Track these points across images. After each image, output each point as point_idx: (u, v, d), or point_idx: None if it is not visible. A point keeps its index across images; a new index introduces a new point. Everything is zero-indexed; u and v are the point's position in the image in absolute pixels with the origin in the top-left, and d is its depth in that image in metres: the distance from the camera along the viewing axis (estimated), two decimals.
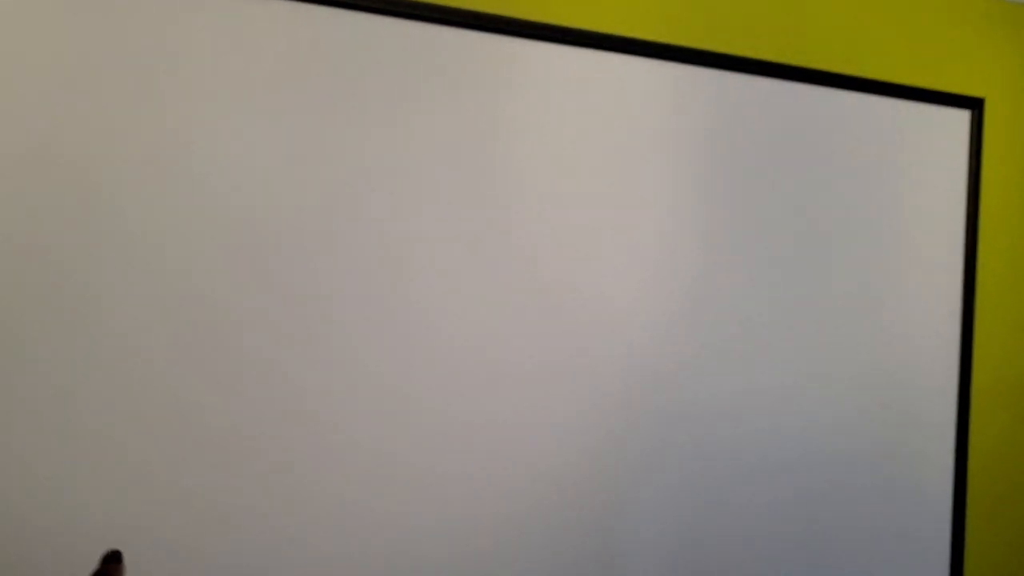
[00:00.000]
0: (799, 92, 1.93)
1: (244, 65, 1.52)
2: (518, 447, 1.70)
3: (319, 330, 1.56)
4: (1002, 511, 2.18)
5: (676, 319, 1.83)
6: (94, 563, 1.41)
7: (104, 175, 1.44)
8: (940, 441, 2.09)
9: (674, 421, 1.82)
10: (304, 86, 1.55)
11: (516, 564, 1.69)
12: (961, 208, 2.11)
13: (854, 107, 1.99)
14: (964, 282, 2.11)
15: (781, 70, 1.91)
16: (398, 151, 1.61)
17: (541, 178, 1.71)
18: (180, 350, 1.47)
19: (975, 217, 2.11)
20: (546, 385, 1.72)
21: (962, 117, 2.11)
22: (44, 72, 1.41)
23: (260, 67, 1.53)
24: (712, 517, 1.86)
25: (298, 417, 1.54)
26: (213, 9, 1.50)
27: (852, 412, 1.99)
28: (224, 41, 1.51)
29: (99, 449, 1.43)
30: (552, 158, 1.72)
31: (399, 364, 1.61)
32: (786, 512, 1.93)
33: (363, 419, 1.59)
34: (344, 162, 1.58)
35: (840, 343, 1.98)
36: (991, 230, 2.16)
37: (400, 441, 1.61)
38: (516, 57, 1.70)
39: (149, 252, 1.46)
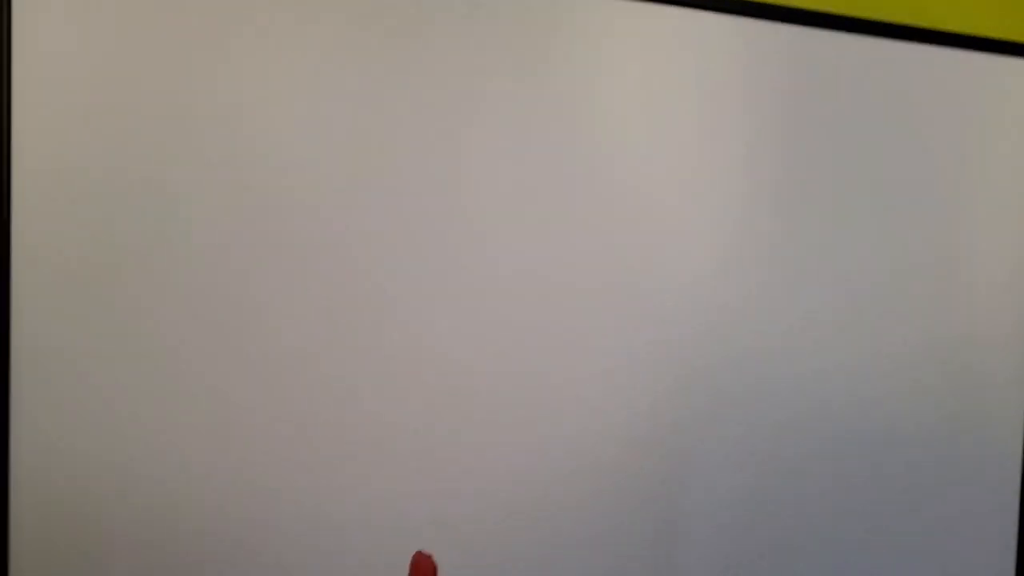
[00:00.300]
0: (859, 45, 1.84)
1: (302, 33, 1.44)
2: (582, 400, 1.65)
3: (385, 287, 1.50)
4: None
5: (747, 277, 1.76)
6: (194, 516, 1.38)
7: (169, 133, 1.38)
8: (1011, 407, 2.03)
9: (742, 378, 1.77)
10: (358, 55, 1.48)
11: (579, 519, 1.66)
12: None
13: (920, 60, 1.89)
14: None
15: (837, 21, 1.82)
16: (465, 114, 1.54)
17: (613, 138, 1.64)
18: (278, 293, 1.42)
19: None
20: (612, 335, 1.67)
21: None
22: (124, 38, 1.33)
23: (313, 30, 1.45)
24: (777, 482, 1.81)
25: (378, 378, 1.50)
26: None
27: (921, 378, 1.93)
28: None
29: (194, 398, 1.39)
30: (625, 118, 1.65)
31: (445, 336, 1.56)
32: (853, 479, 1.88)
33: (429, 381, 1.54)
34: (408, 124, 1.51)
35: (910, 306, 1.91)
36: None
37: (460, 398, 1.57)
38: (585, 13, 1.61)
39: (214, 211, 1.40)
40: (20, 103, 1.32)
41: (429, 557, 1.19)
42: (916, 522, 1.94)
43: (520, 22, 1.58)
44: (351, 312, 1.50)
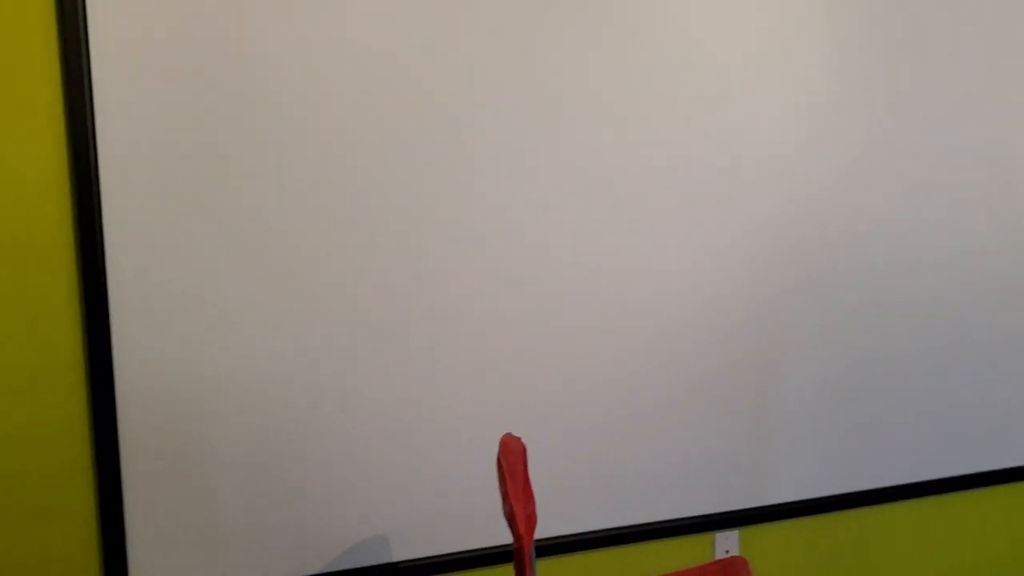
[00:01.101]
0: None
1: None
2: (670, 279, 1.69)
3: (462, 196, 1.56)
4: None
5: (838, 153, 1.77)
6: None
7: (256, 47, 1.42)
8: None
9: (829, 250, 1.79)
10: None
11: (672, 402, 1.72)
12: None
13: None
14: None
15: None
16: (526, 40, 1.54)
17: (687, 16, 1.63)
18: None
19: None
20: (700, 212, 1.69)
21: None
22: None
23: None
24: (863, 355, 1.85)
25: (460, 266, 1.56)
26: None
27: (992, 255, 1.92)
28: None
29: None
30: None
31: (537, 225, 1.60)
32: (937, 350, 1.90)
33: (512, 268, 1.60)
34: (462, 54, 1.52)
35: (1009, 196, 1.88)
36: None
37: (547, 286, 1.62)
38: None
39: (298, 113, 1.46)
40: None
41: (518, 439, 1.25)
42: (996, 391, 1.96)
43: None
44: (443, 212, 1.55)
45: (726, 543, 1.79)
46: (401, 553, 1.59)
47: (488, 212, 1.57)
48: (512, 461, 1.18)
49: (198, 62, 1.39)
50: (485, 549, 1.64)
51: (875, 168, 1.79)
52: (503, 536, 1.64)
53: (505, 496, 1.13)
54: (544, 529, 1.67)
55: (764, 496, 1.80)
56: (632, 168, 1.64)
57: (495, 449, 1.61)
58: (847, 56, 1.74)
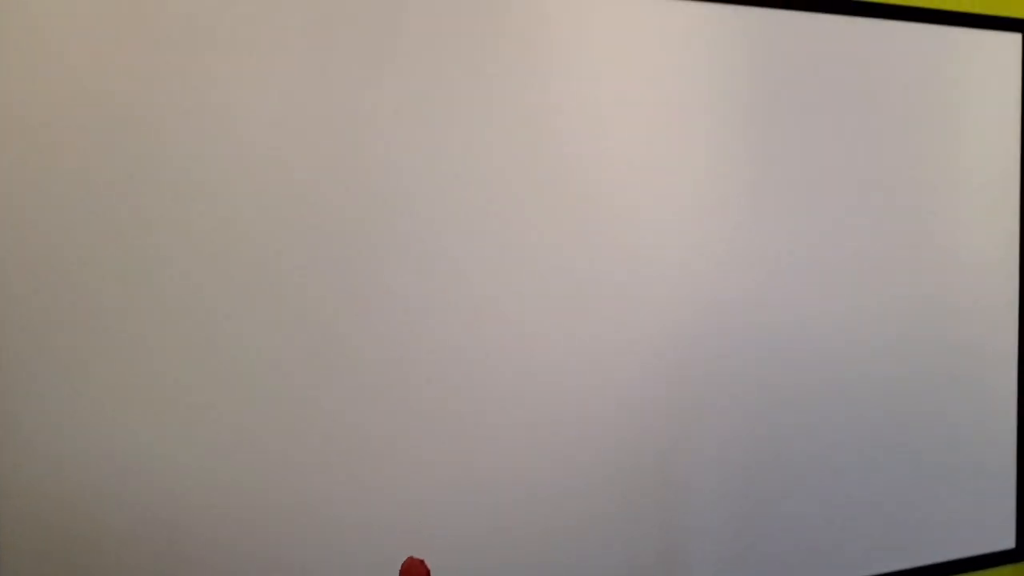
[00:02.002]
0: (837, 24, 1.89)
1: (276, 25, 1.51)
2: (568, 386, 1.70)
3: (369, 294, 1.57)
4: None
5: (729, 251, 1.82)
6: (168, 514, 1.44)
7: (151, 125, 1.44)
8: (1002, 368, 2.08)
9: (729, 352, 1.82)
10: (333, 43, 1.54)
11: (574, 510, 1.71)
12: (1016, 133, 2.07)
13: (896, 37, 1.94)
14: (1020, 207, 2.08)
15: (816, 2, 1.87)
16: (430, 97, 1.60)
17: (582, 115, 1.70)
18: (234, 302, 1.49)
19: None
20: (598, 320, 1.72)
21: (1012, 41, 2.06)
22: (96, 28, 1.40)
23: (288, 27, 1.51)
24: (772, 445, 1.87)
25: (355, 369, 1.56)
26: None
27: (910, 341, 1.98)
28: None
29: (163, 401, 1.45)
30: (593, 97, 1.70)
31: (444, 323, 1.62)
32: (847, 439, 1.93)
33: (413, 374, 1.60)
34: (389, 114, 1.57)
35: (895, 271, 1.96)
36: None
37: (451, 397, 1.62)
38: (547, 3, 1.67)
39: (195, 203, 1.47)
40: None
41: (422, 562, 1.20)
42: (913, 473, 2.00)
43: (496, 19, 1.64)
44: (332, 314, 1.55)
45: None
46: None
47: (389, 341, 1.58)
48: None
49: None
50: None
51: (778, 269, 1.86)
52: None
53: None
54: None
55: None
56: (533, 270, 1.67)
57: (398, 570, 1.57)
58: (741, 169, 1.82)
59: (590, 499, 1.71)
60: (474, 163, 1.61)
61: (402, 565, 1.18)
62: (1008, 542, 2.12)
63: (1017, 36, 2.06)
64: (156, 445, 1.43)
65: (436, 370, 1.59)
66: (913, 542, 2.01)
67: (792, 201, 1.86)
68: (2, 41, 1.34)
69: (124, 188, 1.41)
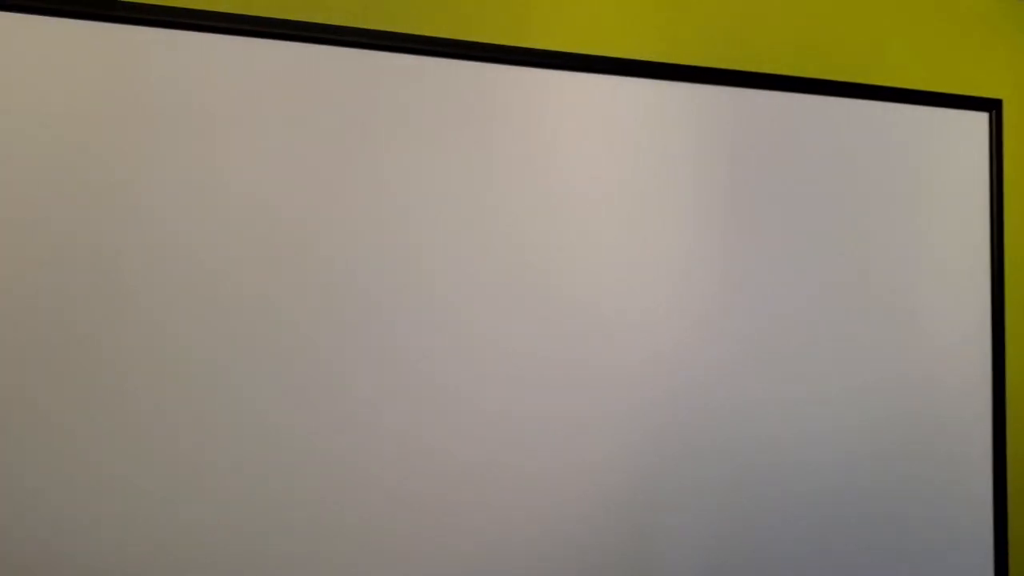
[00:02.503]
0: (811, 104, 1.95)
1: (257, 104, 1.57)
2: (535, 471, 1.71)
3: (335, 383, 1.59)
4: None
5: (700, 329, 1.84)
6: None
7: (136, 201, 1.49)
8: (977, 443, 2.08)
9: (702, 429, 1.84)
10: (316, 122, 1.60)
11: None
12: (984, 210, 2.11)
13: (869, 116, 2.00)
14: (992, 284, 2.11)
15: (791, 83, 1.93)
16: (407, 184, 1.65)
17: (549, 201, 1.74)
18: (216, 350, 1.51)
19: (1000, 218, 2.11)
20: (569, 396, 1.74)
21: (980, 120, 2.12)
22: (79, 117, 1.46)
23: (272, 105, 1.58)
24: (746, 522, 1.87)
25: (331, 412, 1.58)
26: (225, 54, 1.55)
27: (884, 418, 1.99)
28: (238, 84, 1.56)
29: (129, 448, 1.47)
30: (561, 182, 1.75)
31: (406, 412, 1.64)
32: (821, 516, 1.93)
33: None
34: (355, 195, 1.62)
35: (868, 350, 1.99)
36: (1016, 231, 2.17)
37: (418, 473, 1.64)
38: (517, 84, 1.73)
39: (179, 265, 1.51)
40: None
41: None
42: (892, 548, 1.99)
43: (471, 102, 1.70)
44: (284, 421, 1.59)
45: None
46: None
47: (358, 424, 1.60)
48: None
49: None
50: None
51: (752, 347, 1.89)
52: None
53: None
54: None
55: None
56: (503, 347, 1.70)
57: None
58: (716, 250, 1.87)
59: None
60: (444, 249, 1.65)
61: None
62: None
63: (984, 115, 2.12)
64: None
65: (400, 452, 1.61)
66: None
67: (767, 279, 1.90)
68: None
69: (108, 254, 1.45)
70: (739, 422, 1.86)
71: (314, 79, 1.58)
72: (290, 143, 1.56)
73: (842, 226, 1.97)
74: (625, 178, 1.79)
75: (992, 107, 2.12)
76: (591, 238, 1.76)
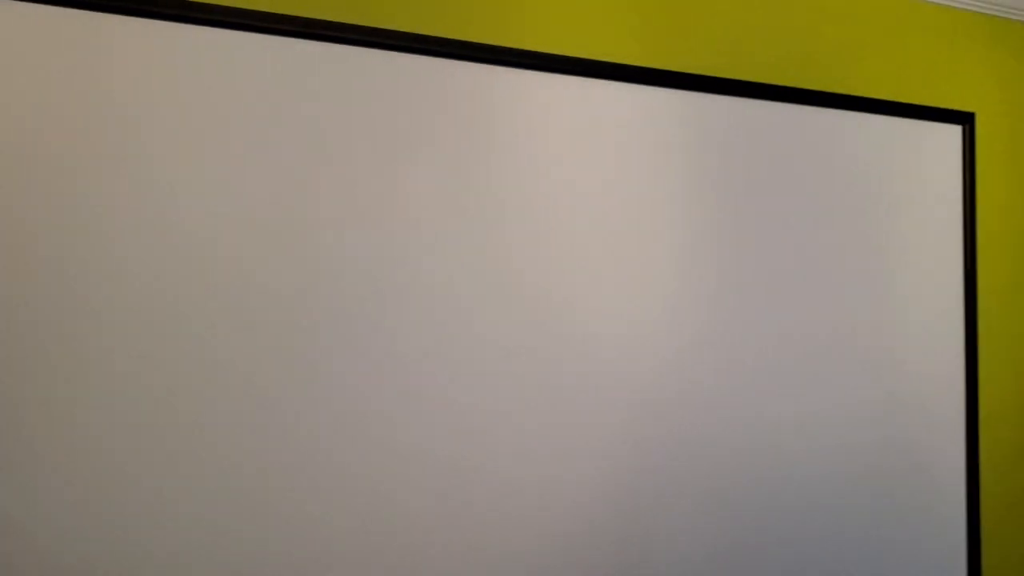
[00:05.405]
0: (790, 113, 1.97)
1: (230, 99, 1.54)
2: (523, 484, 1.70)
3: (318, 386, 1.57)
4: (1017, 531, 2.20)
5: (682, 350, 1.85)
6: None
7: (90, 217, 1.45)
8: (951, 465, 2.11)
9: (684, 449, 1.84)
10: (290, 121, 1.57)
11: None
12: (958, 222, 2.14)
13: (846, 127, 2.03)
14: (966, 299, 2.14)
15: (770, 91, 1.94)
16: (386, 186, 1.63)
17: (536, 209, 1.74)
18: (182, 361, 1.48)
19: (972, 232, 2.14)
20: (556, 419, 1.73)
21: (954, 132, 2.15)
22: (35, 117, 1.42)
23: (243, 103, 1.55)
24: (729, 543, 1.87)
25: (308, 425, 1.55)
26: (196, 45, 1.52)
27: (860, 438, 2.01)
28: (209, 80, 1.53)
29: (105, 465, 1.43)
30: (547, 188, 1.75)
31: (386, 415, 1.62)
32: (801, 537, 1.94)
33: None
34: (332, 197, 1.59)
35: (844, 367, 2.00)
36: (988, 244, 2.20)
37: (409, 479, 1.62)
38: (500, 86, 1.72)
39: (133, 282, 1.47)
40: None
41: None
42: (867, 569, 2.01)
43: (452, 111, 1.68)
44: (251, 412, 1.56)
45: None
46: None
47: (341, 415, 1.58)
48: None
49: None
50: None
51: (732, 372, 1.89)
52: None
53: None
54: None
55: None
56: (487, 353, 1.69)
57: None
58: (699, 273, 1.87)
59: None
60: (431, 265, 1.63)
61: None
62: None
63: (958, 128, 2.15)
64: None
65: (380, 456, 1.59)
66: None
67: (742, 291, 1.90)
68: None
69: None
70: (720, 434, 1.87)
71: (291, 74, 1.56)
72: (264, 139, 1.53)
73: (817, 236, 1.98)
74: (609, 183, 1.78)
75: (966, 120, 2.16)
76: (575, 241, 1.75)
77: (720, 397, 1.87)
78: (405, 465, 1.60)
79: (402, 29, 1.64)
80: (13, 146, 1.39)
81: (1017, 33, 2.27)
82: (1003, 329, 2.21)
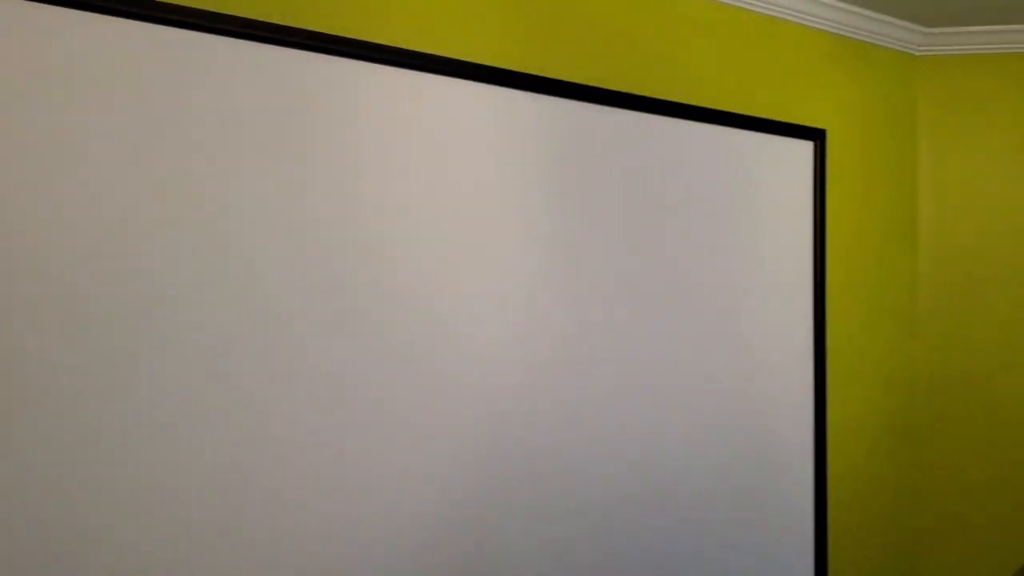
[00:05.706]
0: (651, 123, 1.99)
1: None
2: (382, 498, 1.64)
3: None
4: (863, 538, 2.33)
5: (536, 362, 1.84)
6: None
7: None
8: (800, 473, 2.21)
9: (542, 464, 1.83)
10: (128, 110, 1.46)
11: None
12: (808, 232, 2.25)
13: (706, 139, 2.08)
14: (815, 305, 2.25)
15: (633, 101, 1.95)
16: (228, 183, 1.55)
17: (393, 209, 1.69)
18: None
19: (822, 240, 2.26)
20: (410, 436, 1.67)
21: (806, 148, 2.26)
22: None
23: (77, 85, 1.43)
24: (584, 555, 1.88)
25: None
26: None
27: (713, 447, 2.07)
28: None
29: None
30: (406, 188, 1.70)
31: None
32: (655, 547, 1.98)
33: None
34: (163, 193, 1.49)
35: (699, 380, 2.06)
36: (837, 253, 2.32)
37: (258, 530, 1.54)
38: (362, 82, 1.67)
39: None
40: None
41: None
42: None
43: (294, 91, 1.61)
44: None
45: None
46: None
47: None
48: None
49: None
50: None
51: (589, 375, 1.91)
52: None
53: None
54: None
55: None
56: (342, 393, 1.63)
57: None
58: (549, 270, 1.88)
59: None
60: (260, 253, 1.55)
61: None
62: None
63: (809, 144, 2.26)
64: None
65: (242, 485, 1.50)
66: None
67: (600, 307, 1.91)
68: None
69: None
70: (574, 459, 1.87)
71: (120, 59, 1.44)
72: (99, 126, 1.41)
73: (674, 243, 2.03)
74: (470, 185, 1.75)
75: (817, 136, 2.27)
76: (434, 242, 1.71)
77: (577, 408, 1.88)
78: (253, 471, 1.52)
79: (263, 19, 1.55)
80: None
81: (867, 54, 2.41)
82: (847, 331, 2.34)
